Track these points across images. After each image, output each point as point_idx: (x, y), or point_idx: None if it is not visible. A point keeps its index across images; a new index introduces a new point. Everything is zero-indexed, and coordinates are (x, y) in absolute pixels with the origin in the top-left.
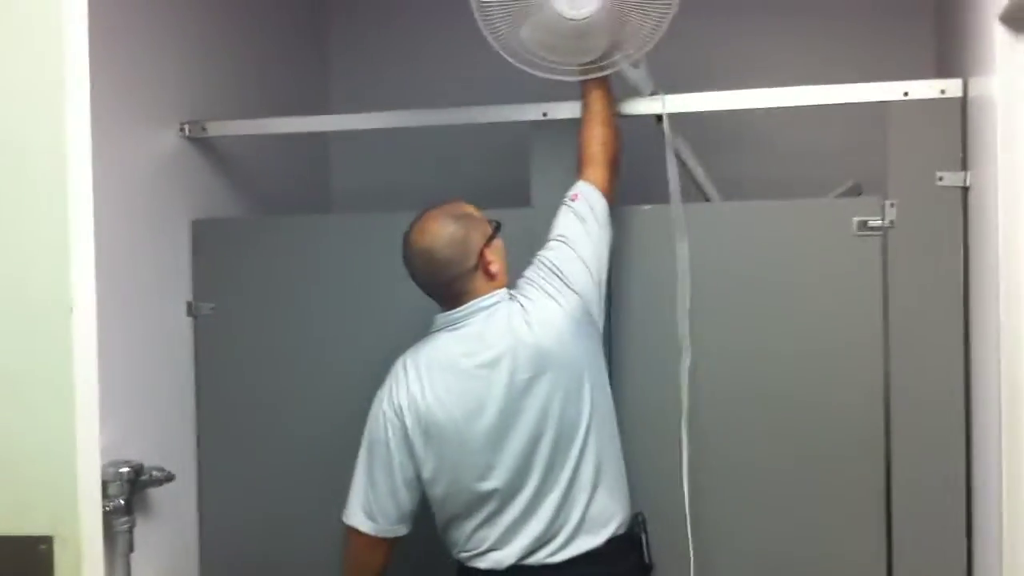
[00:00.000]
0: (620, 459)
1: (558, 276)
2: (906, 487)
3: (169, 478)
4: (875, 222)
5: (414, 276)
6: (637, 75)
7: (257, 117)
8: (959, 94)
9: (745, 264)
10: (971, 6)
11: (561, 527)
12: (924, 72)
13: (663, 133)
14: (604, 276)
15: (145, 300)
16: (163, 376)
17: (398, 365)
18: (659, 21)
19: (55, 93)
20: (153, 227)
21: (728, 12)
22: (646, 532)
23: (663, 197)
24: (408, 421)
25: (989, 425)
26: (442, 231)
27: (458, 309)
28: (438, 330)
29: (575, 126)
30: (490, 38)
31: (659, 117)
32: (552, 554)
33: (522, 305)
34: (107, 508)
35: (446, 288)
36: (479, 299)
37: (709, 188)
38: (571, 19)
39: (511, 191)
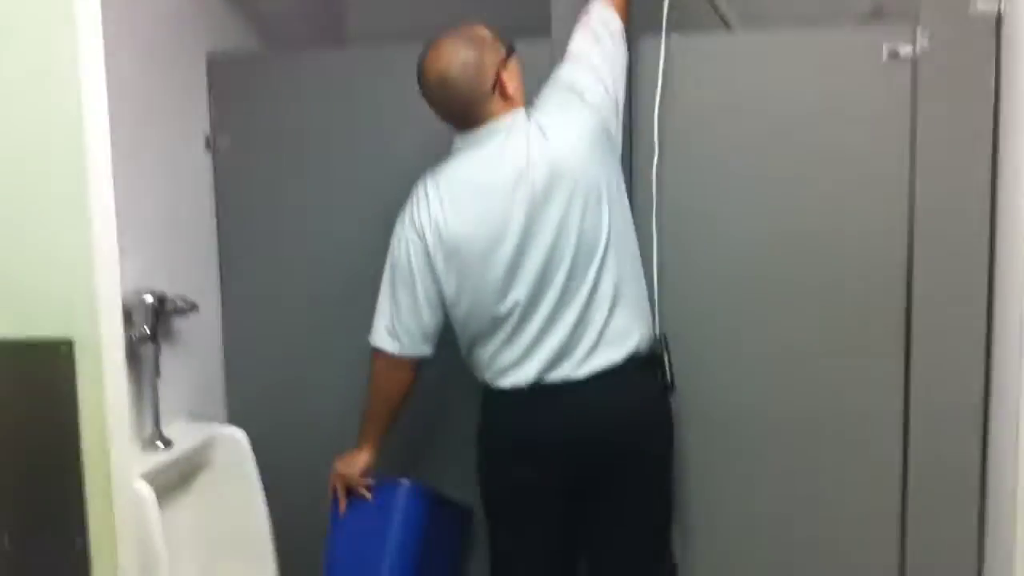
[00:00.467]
0: (641, 280)
1: (574, 93)
2: (926, 326)
3: (193, 308)
4: (905, 50)
5: (431, 102)
6: None
7: None
8: None
9: (771, 95)
10: None
11: (579, 341)
12: None
13: None
14: (621, 94)
15: (162, 133)
16: (184, 209)
17: (419, 187)
18: None
19: None
20: (168, 59)
21: None
22: (668, 352)
23: (688, 24)
24: (429, 240)
25: (1013, 263)
26: (456, 55)
27: (477, 130)
28: (458, 150)
29: None
30: None
31: None
32: (572, 369)
33: (539, 123)
34: (133, 336)
35: (464, 111)
36: (497, 119)
37: (728, 13)
38: None
39: (531, 21)
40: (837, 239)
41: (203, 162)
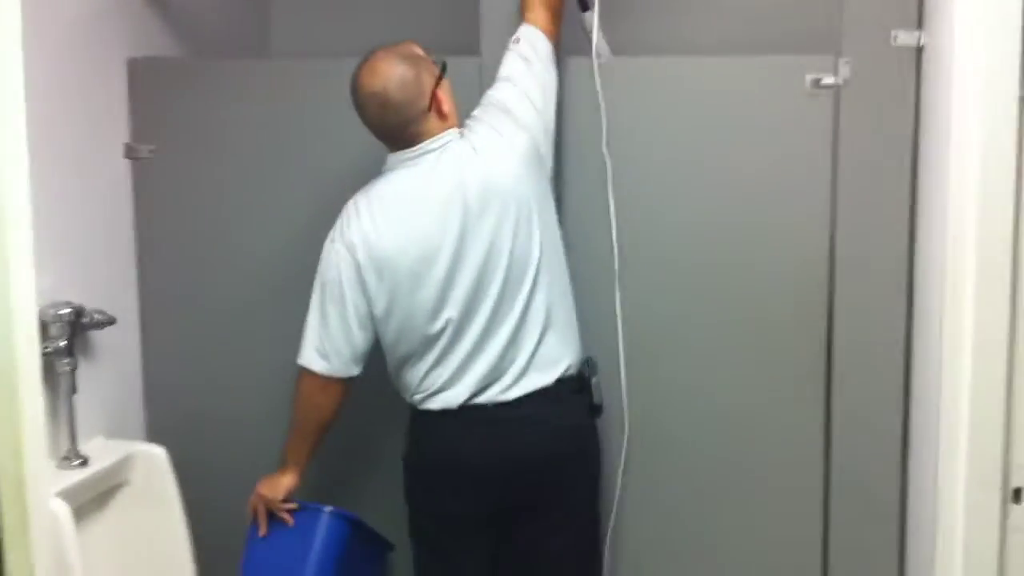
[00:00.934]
0: (571, 303)
1: (506, 114)
2: (847, 347)
3: (111, 321)
4: (828, 80)
5: (365, 120)
6: None
7: None
8: None
9: (693, 121)
10: None
11: (510, 365)
12: None
13: None
14: (551, 116)
15: (81, 141)
16: (102, 219)
17: (349, 204)
18: None
19: None
20: (88, 64)
21: None
22: (596, 375)
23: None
24: (360, 258)
25: (931, 286)
26: (393, 72)
27: (411, 149)
28: (390, 170)
29: None
30: None
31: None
32: (502, 391)
33: (472, 143)
34: (48, 349)
35: (399, 130)
36: (432, 139)
37: (600, 43)
38: None
39: (459, 39)
40: (760, 260)
41: (122, 170)
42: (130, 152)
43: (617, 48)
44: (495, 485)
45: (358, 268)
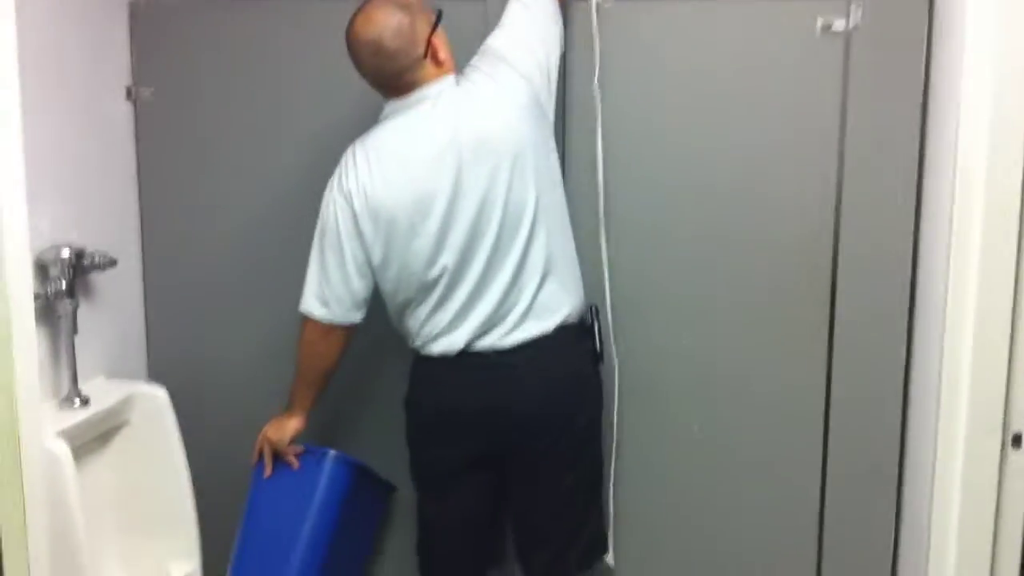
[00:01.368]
0: (572, 251)
1: (503, 62)
2: (850, 296)
3: (112, 263)
4: (839, 24)
5: (361, 68)
6: None
7: None
8: None
9: (698, 66)
10: None
11: (509, 311)
12: None
13: None
14: (554, 64)
15: (81, 82)
16: (104, 161)
17: (347, 153)
18: None
19: None
20: (89, 5)
21: None
22: (598, 322)
23: None
24: (357, 206)
25: (938, 234)
26: (389, 20)
27: (407, 96)
28: (387, 117)
29: None
30: None
31: None
32: (501, 337)
33: (468, 91)
34: (48, 291)
35: (395, 78)
36: (427, 85)
37: None
38: None
39: None
40: (769, 205)
41: (124, 113)
42: (131, 94)
43: None
44: (491, 430)
45: (355, 217)
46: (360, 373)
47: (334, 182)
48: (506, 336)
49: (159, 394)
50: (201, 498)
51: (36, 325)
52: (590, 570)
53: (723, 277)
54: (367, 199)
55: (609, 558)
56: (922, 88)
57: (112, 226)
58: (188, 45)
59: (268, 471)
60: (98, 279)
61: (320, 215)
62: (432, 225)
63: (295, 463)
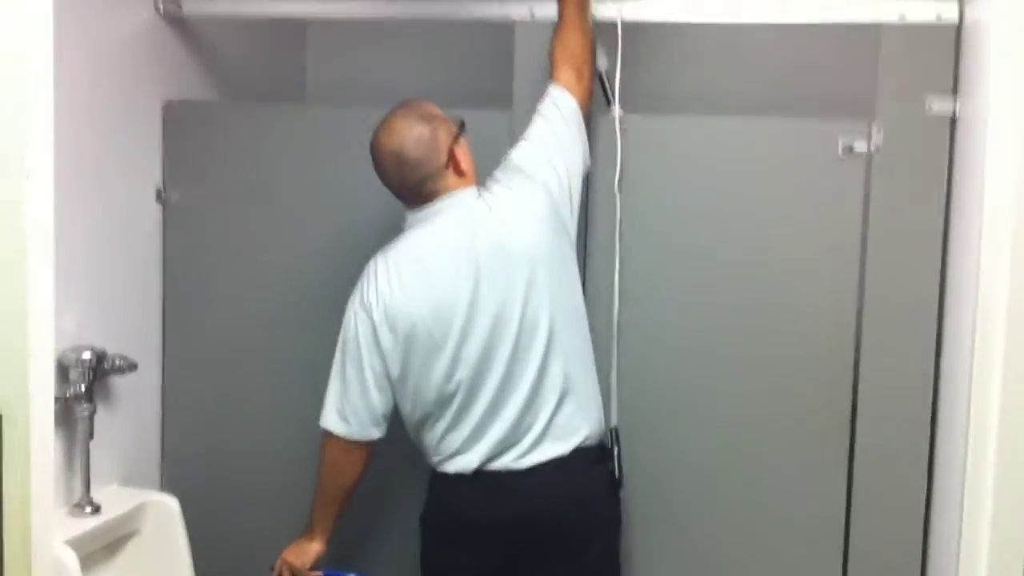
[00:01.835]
0: (593, 372)
1: (523, 174)
2: (872, 421)
3: (132, 367)
4: (860, 146)
5: (383, 177)
6: None
7: None
8: (955, 19)
9: (726, 180)
10: None
11: (526, 432)
12: None
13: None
14: (576, 177)
15: (112, 182)
16: (130, 263)
17: (369, 264)
18: None
19: None
20: (123, 106)
21: None
22: (618, 446)
23: (657, 107)
24: (376, 318)
25: (960, 358)
26: (410, 131)
27: (427, 206)
28: (409, 227)
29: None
30: None
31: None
32: (517, 459)
33: (488, 202)
34: (67, 394)
35: (417, 188)
36: (448, 195)
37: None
38: None
39: (493, 92)
40: (788, 325)
41: (153, 214)
42: (161, 196)
43: (644, 105)
44: (506, 545)
45: (374, 328)
46: (378, 490)
47: (356, 295)
48: (522, 458)
49: (171, 504)
50: None
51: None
52: None
53: (740, 395)
54: (386, 310)
55: None
56: (943, 211)
57: (134, 329)
58: (218, 149)
59: None
60: (117, 383)
61: (342, 328)
62: (450, 336)
63: None
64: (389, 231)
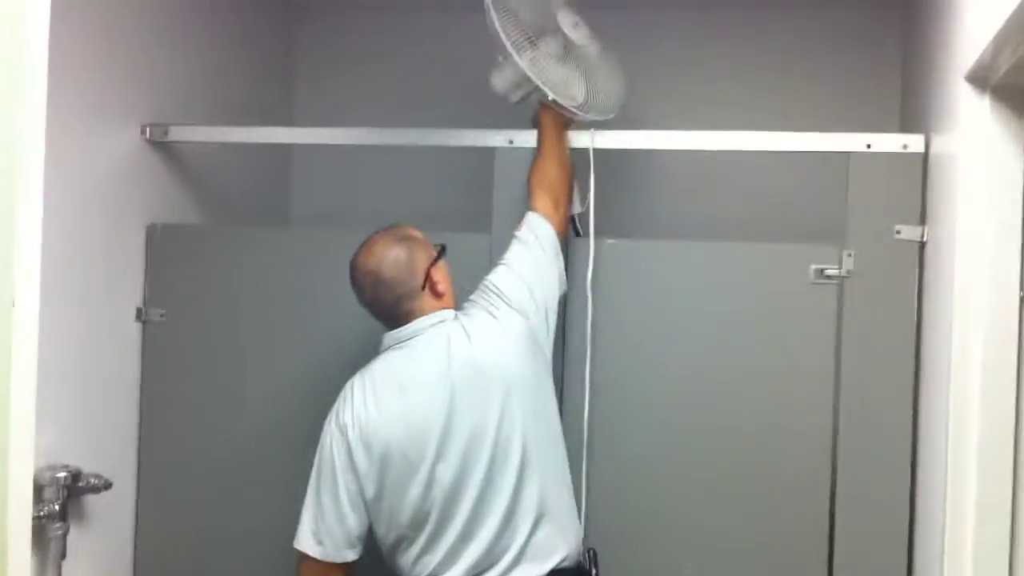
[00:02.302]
0: (569, 491)
1: (499, 297)
2: (849, 533)
3: (107, 485)
4: (832, 271)
5: (361, 298)
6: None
7: (221, 124)
8: (921, 149)
9: (702, 303)
10: (937, 64)
11: (502, 554)
12: (888, 126)
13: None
14: (552, 302)
15: (94, 302)
16: (107, 382)
17: (347, 385)
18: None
19: (9, 83)
20: (107, 228)
21: (704, 59)
22: (596, 567)
23: (633, 231)
24: (351, 437)
25: (934, 484)
26: (388, 252)
27: (404, 328)
28: (386, 349)
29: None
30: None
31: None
32: None
33: (464, 325)
34: (41, 513)
35: (393, 308)
36: (425, 317)
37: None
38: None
39: (472, 216)
40: (763, 445)
41: (132, 333)
42: (141, 316)
43: (621, 228)
44: None
45: (349, 449)
46: None
47: (332, 415)
48: None
49: None
50: None
51: None
52: None
53: (716, 516)
54: (361, 430)
55: None
56: (914, 333)
57: (110, 447)
58: (200, 270)
59: None
60: (91, 501)
61: (318, 449)
62: (425, 457)
63: None
64: (369, 353)
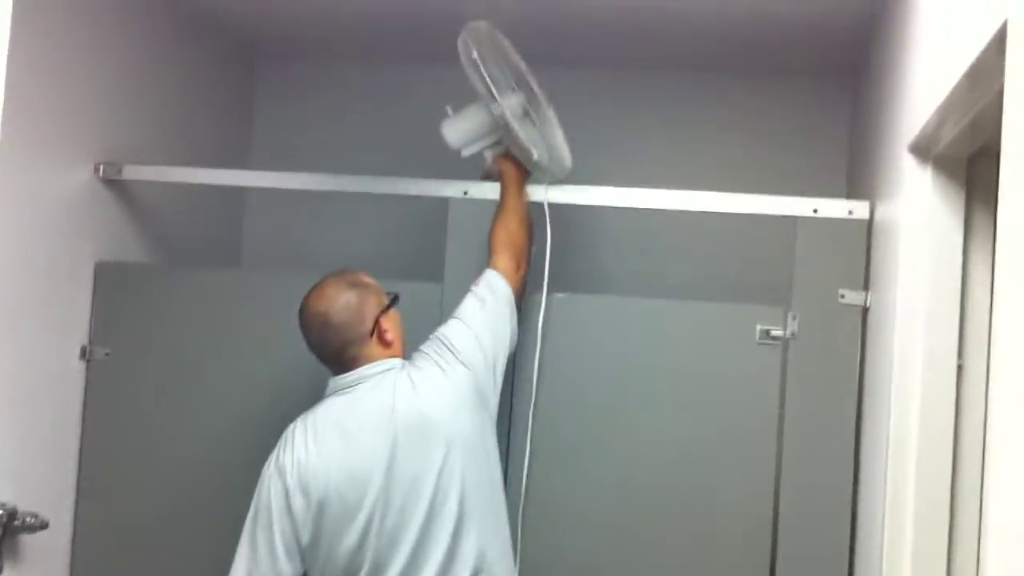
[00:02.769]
0: (508, 546)
1: (450, 350)
2: None
3: (43, 525)
4: (777, 332)
5: (308, 339)
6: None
7: (176, 165)
8: (866, 216)
9: (648, 358)
10: (883, 133)
11: None
12: (835, 191)
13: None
14: (501, 359)
15: (37, 339)
16: (48, 419)
17: (289, 428)
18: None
19: None
20: (55, 264)
21: (657, 118)
22: None
23: (582, 286)
24: (290, 482)
25: (873, 540)
26: (338, 296)
27: (350, 373)
28: (330, 394)
29: (494, 207)
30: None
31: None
32: None
33: (410, 375)
34: None
35: (339, 353)
36: (371, 364)
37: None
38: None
39: (424, 264)
40: (704, 498)
41: (76, 372)
42: (86, 353)
43: (571, 284)
44: None
45: (287, 493)
46: None
47: (272, 457)
48: None
49: None
50: None
51: None
52: None
53: (654, 571)
54: (300, 474)
55: None
56: (855, 395)
57: (48, 486)
58: (148, 309)
59: None
60: (26, 541)
61: (255, 493)
62: (363, 505)
63: None
64: (314, 398)
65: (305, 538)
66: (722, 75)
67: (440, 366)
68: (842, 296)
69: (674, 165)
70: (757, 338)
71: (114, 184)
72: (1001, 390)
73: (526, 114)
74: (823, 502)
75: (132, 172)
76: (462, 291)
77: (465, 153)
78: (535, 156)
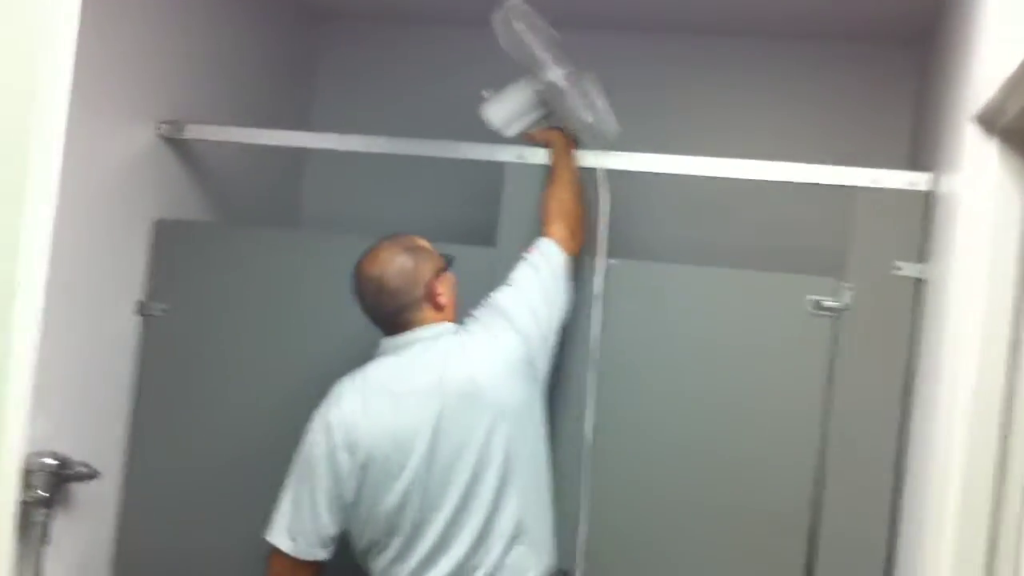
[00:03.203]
0: (548, 514)
1: (503, 317)
2: (827, 570)
3: (94, 475)
4: (829, 303)
5: (362, 303)
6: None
7: (237, 125)
8: (926, 188)
9: (700, 326)
10: (948, 104)
11: (473, 570)
12: (896, 162)
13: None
14: (553, 327)
15: (94, 294)
16: (103, 372)
17: (336, 386)
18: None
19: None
20: (114, 221)
21: (716, 84)
22: None
23: (636, 252)
24: (337, 439)
25: (918, 514)
26: (392, 260)
27: (402, 335)
28: (382, 354)
29: (547, 172)
30: None
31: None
32: None
33: (462, 340)
34: (28, 498)
35: (393, 316)
36: (424, 327)
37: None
38: None
39: (478, 229)
40: (748, 472)
41: (132, 327)
42: (142, 308)
43: (626, 250)
44: None
45: (333, 450)
46: None
47: (319, 413)
48: None
49: None
50: None
51: None
52: None
53: (695, 539)
54: (347, 432)
55: None
56: (904, 371)
57: (100, 438)
58: (205, 267)
59: None
60: (77, 490)
61: (301, 445)
62: (406, 467)
63: None
64: (367, 358)
65: (348, 495)
66: (787, 39)
67: (493, 332)
68: (898, 268)
69: (732, 131)
70: (809, 309)
71: (175, 143)
72: None
73: (573, 84)
74: (866, 477)
75: (194, 131)
76: (515, 256)
77: (510, 133)
78: (591, 121)
